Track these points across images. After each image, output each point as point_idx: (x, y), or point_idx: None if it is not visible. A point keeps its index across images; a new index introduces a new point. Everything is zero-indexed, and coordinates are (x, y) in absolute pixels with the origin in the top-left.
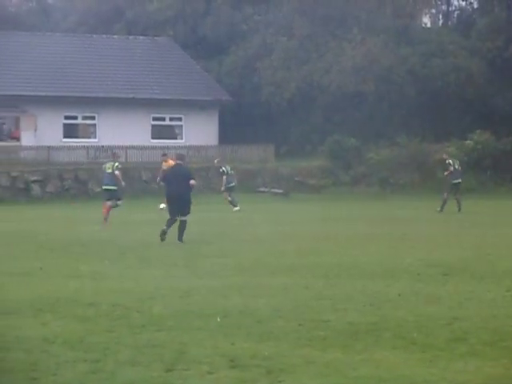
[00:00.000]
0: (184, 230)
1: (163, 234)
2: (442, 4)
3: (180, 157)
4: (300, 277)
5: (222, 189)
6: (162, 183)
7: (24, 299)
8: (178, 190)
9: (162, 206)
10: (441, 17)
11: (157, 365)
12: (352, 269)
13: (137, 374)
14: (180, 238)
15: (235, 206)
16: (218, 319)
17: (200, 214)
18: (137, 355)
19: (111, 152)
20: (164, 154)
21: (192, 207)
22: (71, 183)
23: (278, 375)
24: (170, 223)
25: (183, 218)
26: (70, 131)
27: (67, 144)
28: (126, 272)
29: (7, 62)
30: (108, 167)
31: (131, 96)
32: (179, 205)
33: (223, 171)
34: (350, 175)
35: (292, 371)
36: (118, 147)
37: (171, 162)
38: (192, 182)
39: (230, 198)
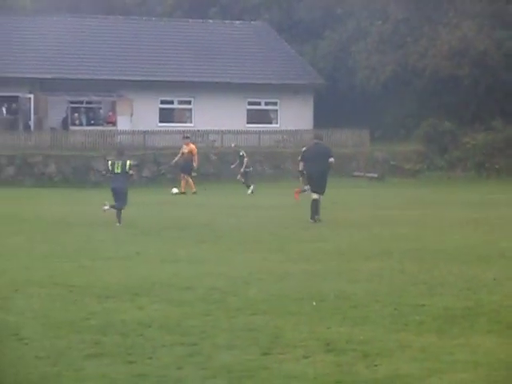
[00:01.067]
0: (317, 208)
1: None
2: None
3: (318, 136)
4: (396, 261)
5: (242, 170)
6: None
7: (121, 283)
8: (318, 168)
9: (175, 190)
10: None
11: (253, 348)
12: (447, 253)
13: (233, 357)
14: (315, 216)
15: (248, 188)
16: (314, 303)
17: (292, 198)
18: (233, 339)
19: (117, 149)
20: (186, 137)
21: (283, 191)
22: (168, 168)
23: (373, 359)
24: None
25: (318, 197)
26: (165, 116)
27: (163, 128)
28: (221, 256)
29: (103, 47)
30: (117, 166)
31: (227, 80)
32: (319, 182)
33: (242, 155)
34: (446, 160)
35: (388, 355)
36: (214, 132)
37: (192, 146)
38: (331, 159)
39: (243, 180)
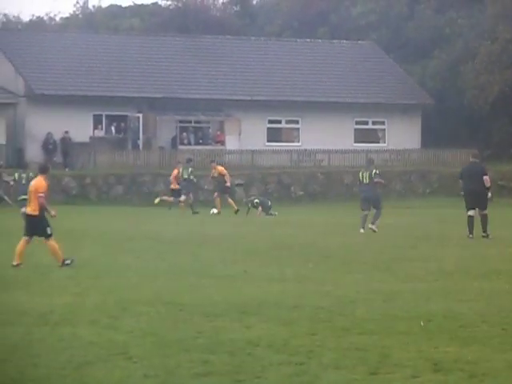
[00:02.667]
0: (486, 223)
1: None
2: None
3: (475, 155)
4: (504, 282)
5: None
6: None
7: (229, 302)
8: (473, 186)
9: (214, 211)
10: None
11: (360, 368)
12: None
13: (340, 376)
14: (484, 231)
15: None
16: (422, 323)
17: (401, 217)
18: (340, 358)
19: (367, 160)
20: (212, 161)
21: (392, 210)
22: (274, 187)
23: (481, 379)
24: None
25: (483, 212)
26: (273, 135)
27: (271, 148)
28: (328, 275)
29: (212, 67)
30: (365, 177)
31: (335, 100)
32: (475, 199)
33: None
34: None
35: (495, 375)
36: (321, 151)
37: (220, 169)
38: (485, 177)
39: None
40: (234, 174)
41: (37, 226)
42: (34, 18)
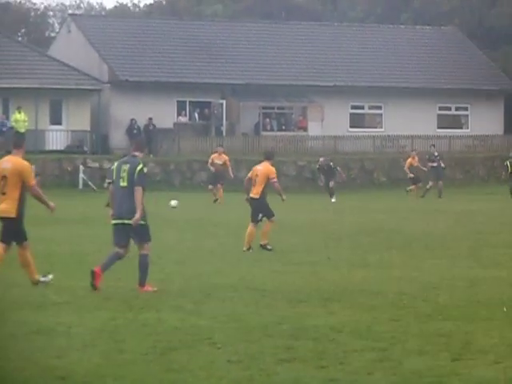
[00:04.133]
0: None
1: None
2: None
3: None
4: None
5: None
6: None
7: (312, 288)
8: None
9: (174, 202)
10: None
11: (443, 354)
12: None
13: (423, 362)
14: None
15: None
16: (505, 309)
17: (484, 203)
18: (423, 344)
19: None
20: (220, 145)
21: (475, 197)
22: (357, 173)
23: None
24: None
25: None
26: (356, 121)
27: (353, 133)
28: (411, 261)
29: (292, 53)
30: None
31: (418, 85)
32: None
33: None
34: None
35: None
36: (404, 137)
37: (226, 157)
38: None
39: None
40: (316, 160)
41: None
42: (118, 4)
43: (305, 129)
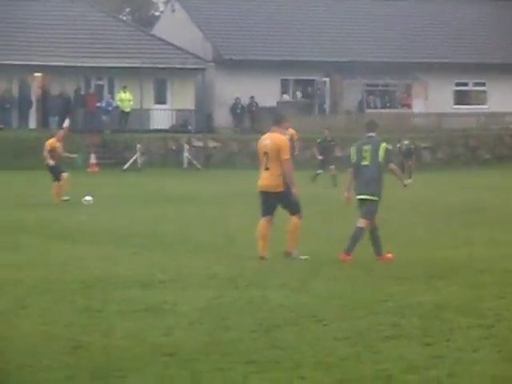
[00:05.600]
0: None
1: None
2: None
3: None
4: None
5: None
6: None
7: (417, 265)
8: None
9: (88, 198)
10: None
11: None
12: None
13: None
14: None
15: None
16: None
17: None
18: None
19: None
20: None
21: None
22: (461, 150)
23: None
24: None
25: None
26: (461, 98)
27: (458, 111)
28: None
29: (396, 30)
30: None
31: None
32: None
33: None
34: None
35: None
36: (509, 114)
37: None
38: None
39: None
40: (420, 136)
41: None
42: None
43: (409, 106)
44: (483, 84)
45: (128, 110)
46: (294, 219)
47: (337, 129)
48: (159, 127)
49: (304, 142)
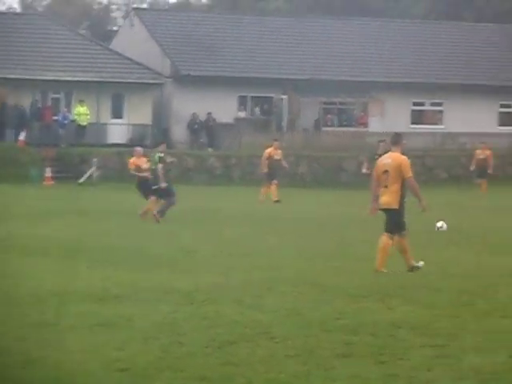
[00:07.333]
0: None
1: None
2: None
3: None
4: None
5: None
6: None
7: (372, 284)
8: None
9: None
10: None
11: (502, 351)
12: None
13: (482, 359)
14: None
15: None
16: None
17: None
18: (482, 341)
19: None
20: (276, 140)
21: None
22: (418, 169)
23: None
24: None
25: None
26: (417, 117)
27: (414, 130)
28: (470, 258)
29: (353, 49)
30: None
31: (479, 83)
32: None
33: None
34: None
35: None
36: (464, 134)
37: (280, 152)
38: None
39: None
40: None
41: None
42: None
43: (365, 125)
44: (440, 104)
45: (85, 123)
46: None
47: (293, 147)
48: (116, 141)
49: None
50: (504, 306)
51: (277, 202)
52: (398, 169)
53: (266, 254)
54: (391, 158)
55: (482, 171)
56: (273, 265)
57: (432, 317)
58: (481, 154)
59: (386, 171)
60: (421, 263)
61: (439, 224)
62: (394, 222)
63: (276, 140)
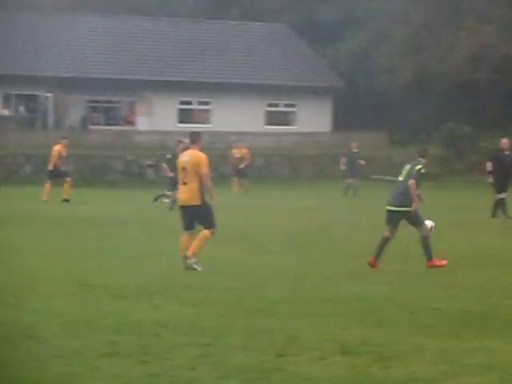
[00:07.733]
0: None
1: None
2: None
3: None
4: (414, 265)
5: None
6: None
7: (137, 283)
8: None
9: None
10: None
11: (268, 350)
12: (469, 257)
13: (248, 358)
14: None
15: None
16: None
17: (310, 200)
18: (248, 340)
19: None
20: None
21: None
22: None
23: (388, 362)
24: None
25: None
26: (185, 116)
27: (182, 129)
28: (240, 256)
29: (122, 47)
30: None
31: (246, 82)
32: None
33: None
34: (464, 164)
35: (403, 358)
36: (233, 133)
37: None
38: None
39: None
40: (144, 154)
41: None
42: None
43: (133, 123)
44: (207, 103)
45: None
46: (206, 232)
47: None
48: None
49: (25, 157)
50: (271, 305)
51: (45, 201)
52: (196, 166)
53: (32, 255)
54: (189, 156)
55: (238, 170)
56: (38, 265)
57: (198, 315)
58: (237, 152)
59: (184, 168)
60: (200, 269)
61: None
62: (204, 217)
63: (65, 138)
